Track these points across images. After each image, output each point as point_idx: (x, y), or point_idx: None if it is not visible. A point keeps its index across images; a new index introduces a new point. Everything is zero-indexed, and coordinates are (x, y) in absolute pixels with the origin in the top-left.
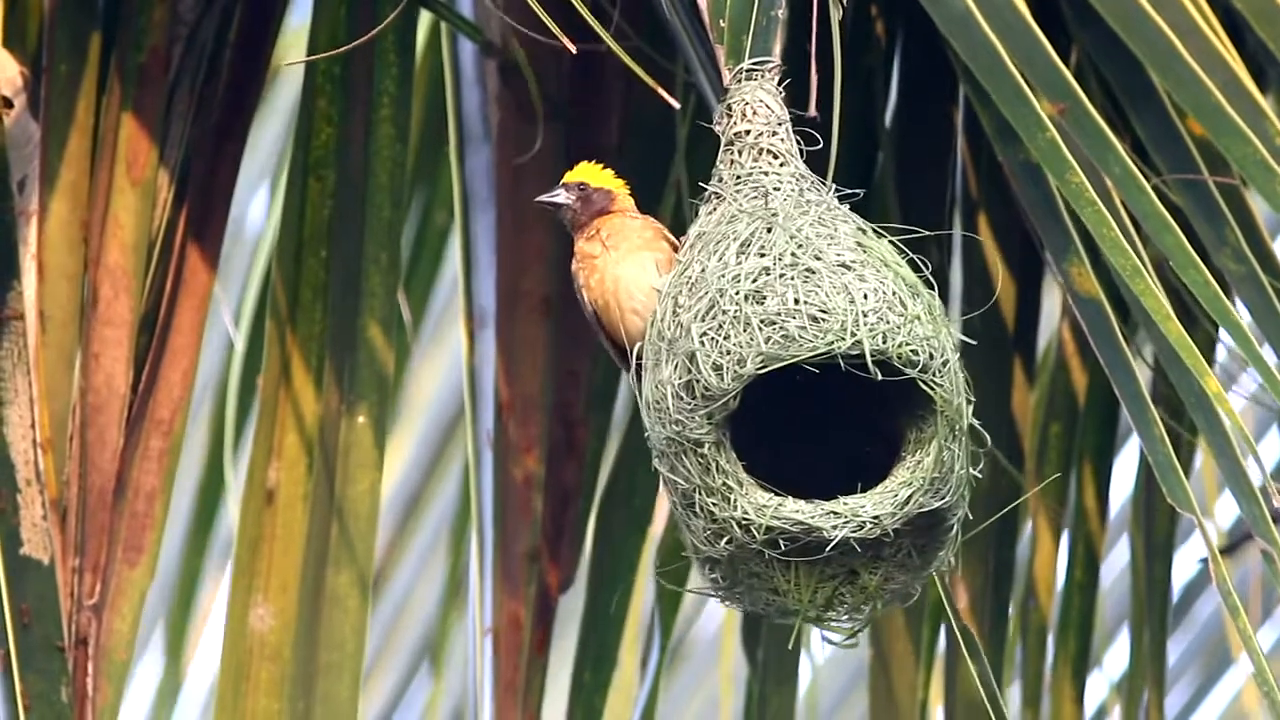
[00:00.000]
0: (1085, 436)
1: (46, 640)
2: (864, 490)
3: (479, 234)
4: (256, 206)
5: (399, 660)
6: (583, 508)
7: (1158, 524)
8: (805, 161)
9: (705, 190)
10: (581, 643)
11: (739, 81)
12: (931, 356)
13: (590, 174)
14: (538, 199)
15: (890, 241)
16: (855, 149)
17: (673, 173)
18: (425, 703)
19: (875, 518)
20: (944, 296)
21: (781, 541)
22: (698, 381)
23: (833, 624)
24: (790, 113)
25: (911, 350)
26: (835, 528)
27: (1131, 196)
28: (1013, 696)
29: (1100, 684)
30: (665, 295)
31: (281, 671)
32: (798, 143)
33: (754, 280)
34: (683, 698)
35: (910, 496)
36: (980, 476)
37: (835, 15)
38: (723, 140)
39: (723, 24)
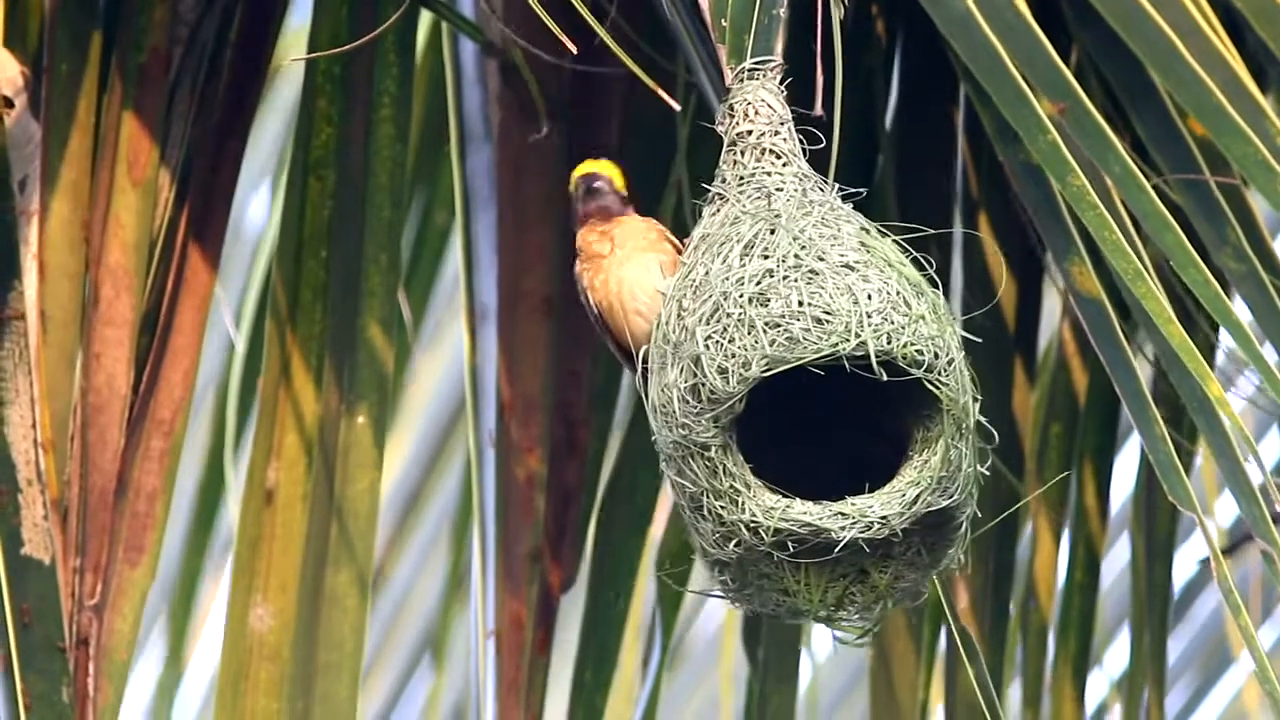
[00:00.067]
0: (1086, 436)
1: (47, 640)
2: (871, 490)
3: (480, 234)
4: (255, 206)
5: (398, 658)
6: (584, 508)
7: (1158, 523)
8: (806, 162)
9: (708, 191)
10: (583, 642)
11: (741, 81)
12: (936, 356)
13: (612, 172)
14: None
15: (894, 241)
16: (855, 149)
17: (673, 173)
18: (424, 701)
19: (883, 518)
20: (945, 297)
21: (790, 543)
22: (703, 385)
23: (844, 623)
24: (793, 111)
25: (916, 350)
26: (843, 529)
27: (1132, 196)
28: (1013, 696)
29: (1100, 682)
30: (670, 298)
31: (281, 671)
32: (800, 142)
33: (758, 282)
34: (682, 696)
35: (918, 496)
36: (987, 474)
37: (836, 15)
38: (725, 141)
39: (724, 23)
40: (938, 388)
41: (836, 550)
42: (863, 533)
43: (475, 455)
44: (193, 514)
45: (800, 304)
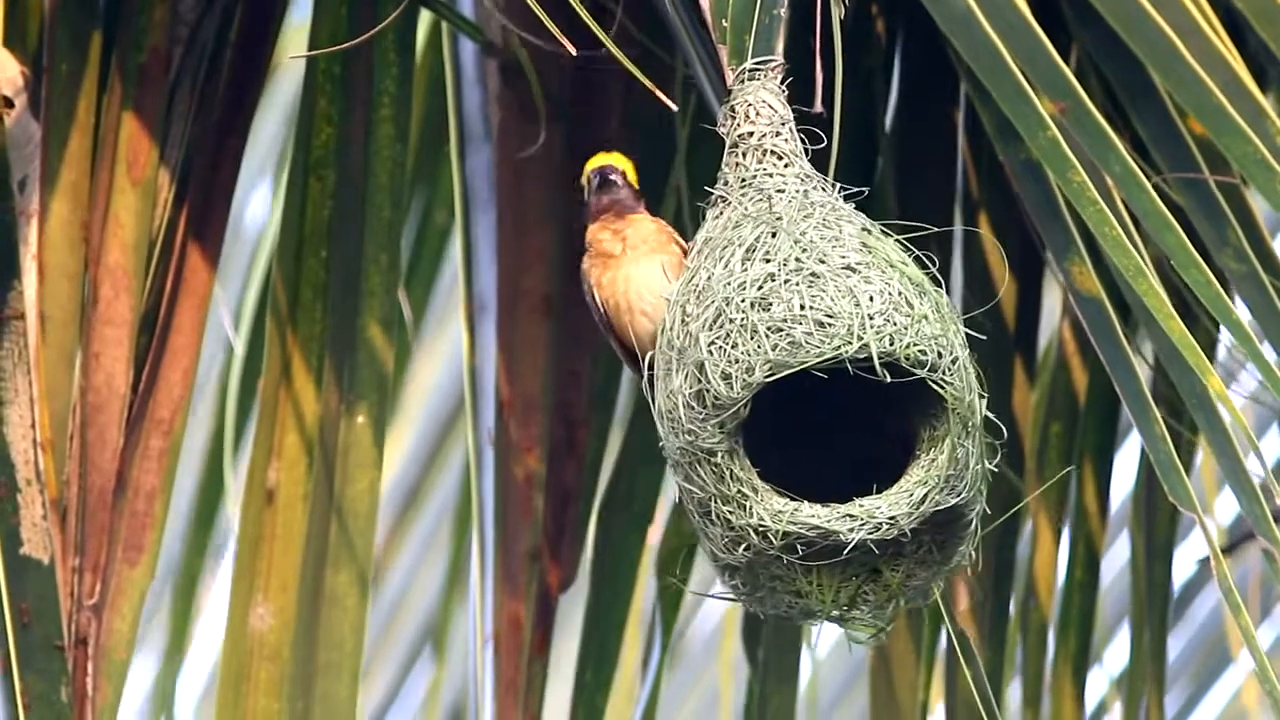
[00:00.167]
0: (1086, 435)
1: (46, 640)
2: (879, 491)
3: (479, 233)
4: (254, 204)
5: (397, 655)
6: (584, 507)
7: (1158, 522)
8: (807, 161)
9: (709, 193)
10: (583, 642)
11: (742, 82)
12: (940, 355)
13: (625, 165)
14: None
15: (896, 240)
16: (856, 148)
17: (673, 174)
18: (423, 698)
19: (891, 518)
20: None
21: (799, 546)
22: (707, 391)
23: (857, 623)
24: (793, 110)
25: (920, 350)
26: (852, 530)
27: (1132, 195)
28: (1013, 695)
29: (1100, 680)
30: (674, 303)
31: (281, 671)
32: (801, 141)
33: (759, 287)
34: (680, 695)
35: (926, 495)
36: (995, 471)
37: (836, 14)
38: (727, 143)
39: (725, 24)
40: (942, 387)
41: (845, 552)
42: (871, 534)
43: (474, 455)
44: (192, 514)
45: (802, 308)
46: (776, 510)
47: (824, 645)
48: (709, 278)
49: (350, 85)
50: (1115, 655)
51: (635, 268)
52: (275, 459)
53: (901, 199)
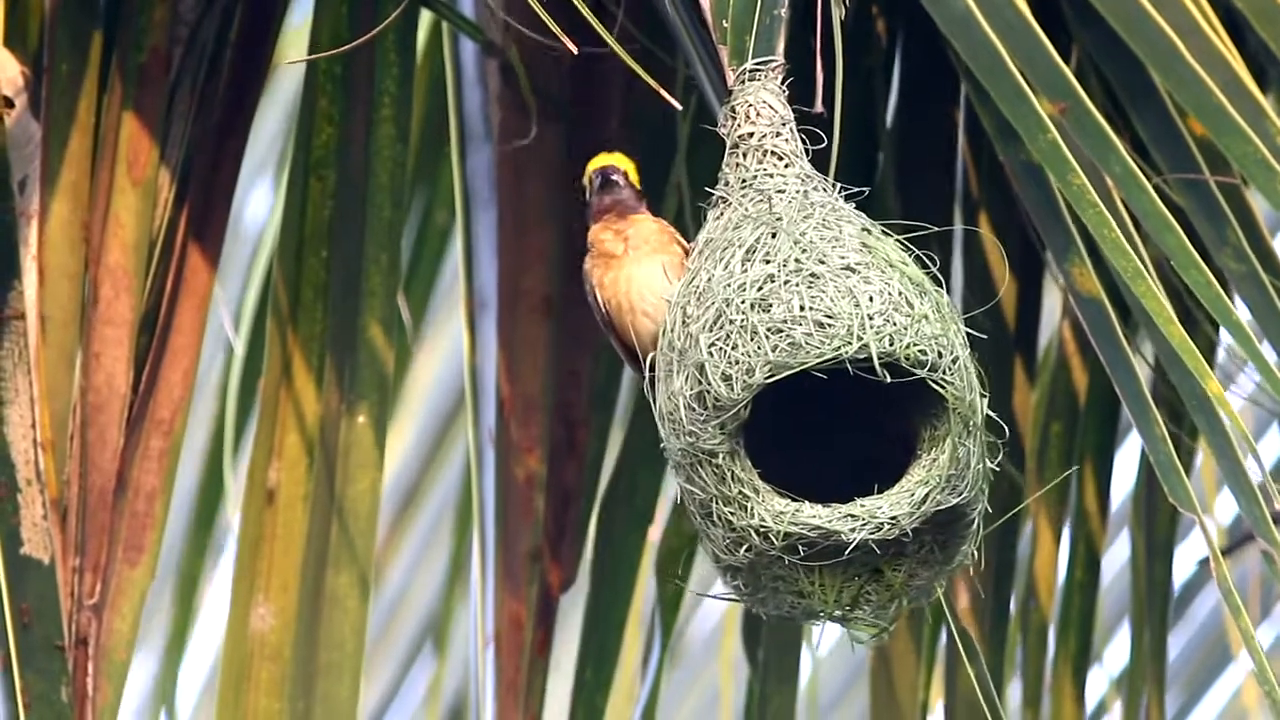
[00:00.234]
0: (1086, 436)
1: (47, 640)
2: (880, 491)
3: (480, 233)
4: (253, 203)
5: (396, 653)
6: (584, 507)
7: (1158, 522)
8: (808, 161)
9: (710, 193)
10: (583, 642)
11: (742, 83)
12: (940, 355)
13: (627, 166)
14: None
15: (896, 240)
16: (856, 149)
17: (673, 174)
18: (422, 696)
19: (893, 518)
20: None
21: (800, 546)
22: (708, 392)
23: (859, 623)
24: (795, 109)
25: (920, 350)
26: (853, 531)
27: (1132, 195)
28: (1013, 695)
29: (1100, 680)
30: (674, 305)
31: (282, 671)
32: (802, 142)
33: (759, 288)
34: (680, 695)
35: (927, 495)
36: (997, 470)
37: (837, 14)
38: (728, 143)
39: (725, 25)
40: (942, 387)
41: (847, 552)
42: (872, 534)
43: (475, 455)
44: (193, 514)
45: (802, 308)
46: (778, 511)
47: (824, 645)
48: (709, 279)
49: (351, 85)
50: (1115, 655)
51: (637, 268)
52: (276, 459)
53: (901, 199)
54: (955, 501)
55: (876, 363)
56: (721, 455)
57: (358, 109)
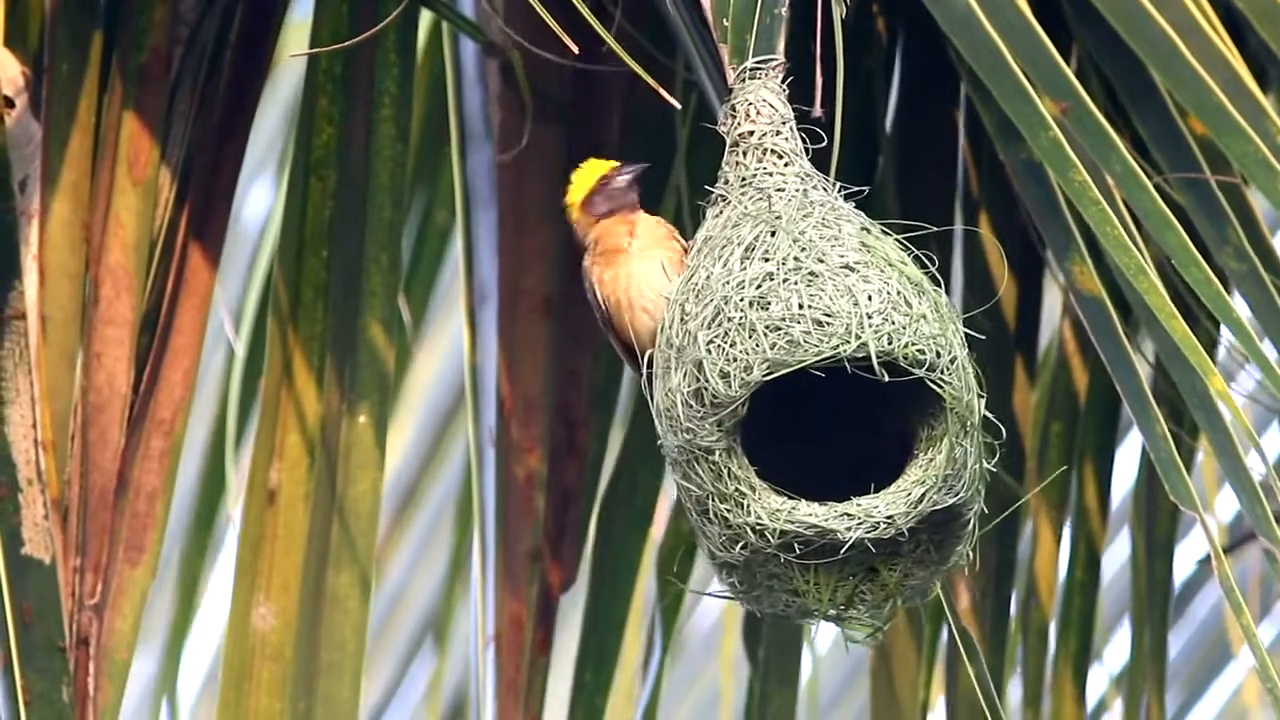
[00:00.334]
0: (1086, 435)
1: (48, 640)
2: (877, 490)
3: (480, 233)
4: (252, 201)
5: (397, 650)
6: (584, 507)
7: (1159, 521)
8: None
9: (709, 192)
10: (583, 642)
11: (743, 81)
12: (938, 355)
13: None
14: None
15: (895, 239)
16: (856, 148)
17: (673, 174)
18: (422, 695)
19: (889, 518)
20: (945, 296)
21: (797, 545)
22: (706, 389)
23: (854, 622)
24: (794, 109)
25: (918, 350)
26: (849, 529)
27: (1133, 195)
28: (1014, 694)
29: (1100, 678)
30: (673, 302)
31: (283, 671)
32: (802, 141)
33: (758, 286)
34: (680, 694)
35: (924, 495)
36: (991, 471)
37: (837, 14)
38: (728, 142)
39: (726, 23)
40: (940, 386)
41: (843, 551)
42: (869, 533)
43: (475, 454)
44: (193, 514)
45: (800, 307)
46: (774, 509)
47: (824, 643)
48: (708, 276)
49: (351, 85)
50: (1115, 654)
51: (636, 265)
52: (276, 459)
53: (901, 198)
54: (951, 501)
55: (875, 362)
56: (718, 452)
57: (358, 109)
